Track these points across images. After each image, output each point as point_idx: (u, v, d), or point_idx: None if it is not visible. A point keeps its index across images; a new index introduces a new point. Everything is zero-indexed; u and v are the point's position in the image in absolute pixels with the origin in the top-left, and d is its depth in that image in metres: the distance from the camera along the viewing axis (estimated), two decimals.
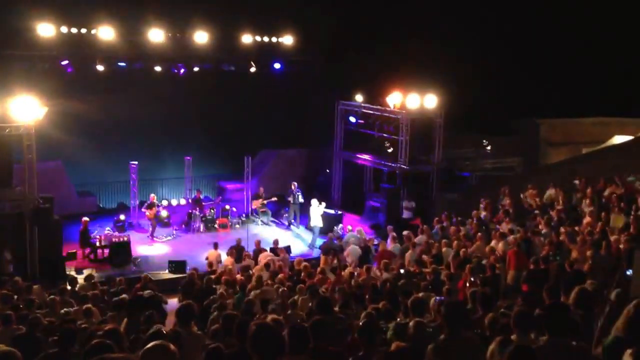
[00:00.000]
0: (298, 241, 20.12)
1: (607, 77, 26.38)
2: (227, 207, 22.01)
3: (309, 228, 20.40)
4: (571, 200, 17.94)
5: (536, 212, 17.21)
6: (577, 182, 18.25)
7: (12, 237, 15.49)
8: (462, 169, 22.88)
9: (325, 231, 19.20)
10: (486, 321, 6.51)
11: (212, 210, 21.53)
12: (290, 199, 21.49)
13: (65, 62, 21.05)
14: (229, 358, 5.25)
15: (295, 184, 21.71)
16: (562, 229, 14.59)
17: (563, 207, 17.09)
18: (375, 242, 17.02)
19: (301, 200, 21.29)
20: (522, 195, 19.00)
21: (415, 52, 23.72)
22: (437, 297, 8.78)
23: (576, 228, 14.49)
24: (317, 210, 19.86)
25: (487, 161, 23.68)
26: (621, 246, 11.96)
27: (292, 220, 21.69)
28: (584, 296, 5.82)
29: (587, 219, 15.29)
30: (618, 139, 23.26)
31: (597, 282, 9.03)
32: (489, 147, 24.92)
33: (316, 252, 18.66)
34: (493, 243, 14.47)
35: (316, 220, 19.77)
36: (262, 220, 22.12)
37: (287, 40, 24.87)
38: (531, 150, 25.92)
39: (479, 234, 15.38)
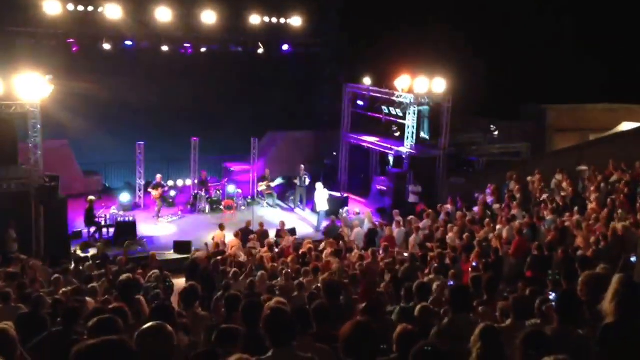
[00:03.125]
0: (303, 224, 20.11)
1: (616, 64, 26.13)
2: (233, 188, 22.00)
3: (315, 211, 20.37)
4: (577, 187, 17.87)
5: (542, 198, 17.15)
6: (584, 168, 18.13)
7: (18, 216, 15.52)
8: (469, 153, 22.77)
9: (330, 214, 19.19)
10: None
11: (218, 192, 21.55)
12: (297, 181, 21.46)
13: (71, 41, 20.96)
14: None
15: (303, 166, 21.66)
16: (567, 215, 14.55)
17: (569, 194, 17.03)
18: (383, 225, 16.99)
19: (307, 182, 21.26)
20: (528, 181, 18.93)
21: (424, 36, 23.51)
22: (449, 282, 8.79)
23: (581, 216, 14.43)
24: (323, 194, 19.84)
25: (494, 146, 23.55)
26: (626, 232, 11.91)
27: (299, 203, 21.68)
28: (592, 282, 5.76)
29: (592, 205, 15.22)
30: (626, 126, 23.08)
31: (603, 268, 8.97)
32: (496, 133, 24.78)
33: (318, 236, 18.66)
34: (499, 228, 14.45)
35: (322, 205, 19.76)
36: (267, 203, 22.12)
37: (296, 21, 24.69)
38: (538, 136, 25.74)
39: (487, 219, 15.35)
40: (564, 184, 17.81)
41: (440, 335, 5.50)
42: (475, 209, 17.37)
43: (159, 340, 3.45)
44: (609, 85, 25.72)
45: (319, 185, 20.14)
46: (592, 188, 16.67)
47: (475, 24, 25.44)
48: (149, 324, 3.61)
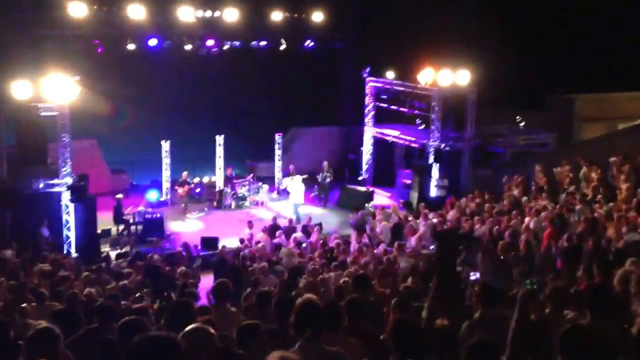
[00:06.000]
0: (326, 219, 20.02)
1: None
2: (259, 184, 22.09)
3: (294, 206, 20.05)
4: (607, 177, 17.57)
5: (571, 188, 16.92)
6: (614, 159, 17.79)
7: (48, 215, 15.83)
8: (494, 145, 22.53)
9: (356, 208, 19.15)
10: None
11: (243, 188, 21.66)
12: (319, 177, 21.50)
13: (96, 42, 21.22)
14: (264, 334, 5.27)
15: (326, 163, 21.61)
16: (597, 206, 14.33)
17: (598, 184, 16.76)
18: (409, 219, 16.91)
19: (328, 181, 21.32)
20: (555, 172, 18.68)
21: (447, 27, 23.31)
22: (472, 274, 8.74)
23: (611, 204, 14.20)
24: (299, 186, 19.81)
25: (520, 137, 23.26)
26: None
27: (321, 199, 21.68)
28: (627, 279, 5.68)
29: (622, 196, 14.97)
30: None
31: (633, 262, 8.81)
32: (522, 123, 24.48)
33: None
34: (527, 220, 14.29)
35: (297, 197, 19.75)
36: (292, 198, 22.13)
37: (317, 16, 24.65)
38: (565, 126, 25.35)
39: (514, 211, 15.19)
40: (593, 174, 17.53)
41: (471, 330, 5.47)
42: (503, 201, 17.21)
43: (200, 342, 3.48)
44: (638, 73, 25.20)
45: (297, 178, 20.07)
46: (623, 177, 16.38)
47: (499, 13, 25.15)
48: (191, 326, 3.63)
